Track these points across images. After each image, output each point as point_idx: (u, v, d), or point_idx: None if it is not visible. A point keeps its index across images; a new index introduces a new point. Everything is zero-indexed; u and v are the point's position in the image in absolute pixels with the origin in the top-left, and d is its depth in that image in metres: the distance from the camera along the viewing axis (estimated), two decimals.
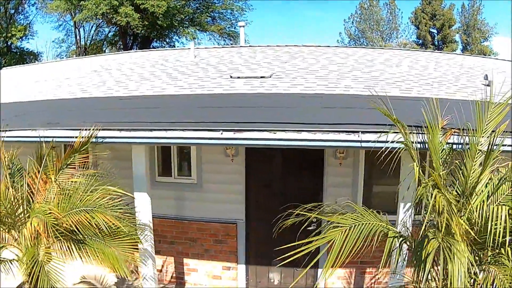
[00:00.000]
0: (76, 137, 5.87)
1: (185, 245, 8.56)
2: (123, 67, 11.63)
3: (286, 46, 12.37)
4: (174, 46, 33.34)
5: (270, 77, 8.53)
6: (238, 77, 8.72)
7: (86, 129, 5.87)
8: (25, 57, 37.21)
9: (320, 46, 12.22)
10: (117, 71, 11.18)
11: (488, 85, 8.46)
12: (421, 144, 5.12)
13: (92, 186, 5.77)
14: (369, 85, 7.93)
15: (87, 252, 5.50)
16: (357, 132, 5.29)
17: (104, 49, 36.66)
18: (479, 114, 5.02)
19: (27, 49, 37.95)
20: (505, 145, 5.14)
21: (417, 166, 4.53)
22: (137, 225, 6.50)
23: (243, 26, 13.90)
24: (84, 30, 37.14)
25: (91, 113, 7.52)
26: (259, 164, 8.14)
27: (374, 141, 5.24)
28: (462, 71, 9.97)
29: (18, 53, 36.72)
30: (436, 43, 46.78)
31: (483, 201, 4.41)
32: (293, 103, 7.08)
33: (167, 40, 33.74)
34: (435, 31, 46.96)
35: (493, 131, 5.11)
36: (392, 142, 5.15)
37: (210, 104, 7.34)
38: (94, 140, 5.91)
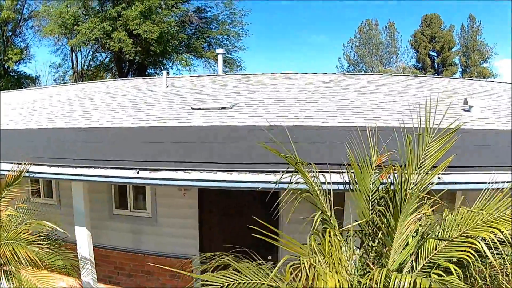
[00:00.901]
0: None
1: (143, 278, 8.42)
2: (96, 96, 11.63)
3: (262, 74, 12.33)
4: (168, 73, 33.52)
5: (231, 108, 8.42)
6: (199, 108, 8.62)
7: (18, 163, 5.83)
8: (23, 81, 37.56)
9: (297, 74, 12.17)
10: (88, 101, 11.17)
11: (468, 110, 8.44)
12: (344, 185, 4.80)
13: (23, 220, 5.75)
14: (333, 115, 7.81)
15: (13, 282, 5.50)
16: (277, 172, 5.00)
17: (100, 75, 36.86)
18: (409, 148, 4.50)
19: (24, 72, 38.36)
20: (443, 183, 4.89)
21: (323, 213, 4.15)
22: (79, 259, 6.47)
23: (221, 54, 13.87)
24: (81, 54, 37.55)
25: (33, 146, 7.51)
26: (213, 197, 7.96)
27: (288, 182, 4.83)
28: (444, 96, 9.83)
29: (16, 76, 37.05)
30: (436, 66, 46.85)
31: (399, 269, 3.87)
32: (231, 138, 6.87)
33: (162, 67, 33.81)
34: (435, 54, 47.07)
35: (433, 166, 4.69)
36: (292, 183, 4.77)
37: (153, 139, 7.22)
38: (26, 174, 5.85)
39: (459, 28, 46.47)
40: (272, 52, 72.75)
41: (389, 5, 61.49)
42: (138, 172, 5.28)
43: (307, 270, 3.48)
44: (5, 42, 35.60)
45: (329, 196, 4.40)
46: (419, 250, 3.99)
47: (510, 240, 3.73)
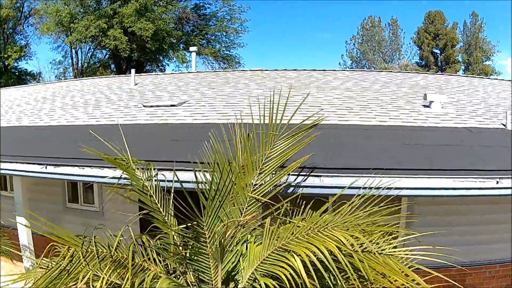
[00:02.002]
0: None
1: None
2: (69, 94, 11.97)
3: (234, 71, 12.65)
4: (164, 70, 33.96)
5: (179, 105, 8.73)
6: (151, 106, 8.93)
7: None
8: (24, 77, 38.20)
9: (266, 70, 12.43)
10: (61, 99, 11.52)
11: (428, 106, 8.52)
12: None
13: None
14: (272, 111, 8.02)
15: None
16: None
17: (100, 71, 37.35)
18: (246, 146, 4.24)
19: (25, 69, 38.96)
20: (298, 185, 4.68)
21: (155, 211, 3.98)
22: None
23: (195, 51, 14.14)
24: (81, 51, 38.05)
25: None
26: None
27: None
28: (412, 91, 9.98)
29: (17, 73, 37.68)
30: (439, 63, 46.71)
31: None
32: (146, 136, 7.14)
33: (158, 64, 34.23)
34: (438, 51, 46.92)
35: (282, 166, 4.38)
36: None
37: (72, 137, 7.58)
38: None
39: (462, 25, 46.35)
40: (276, 50, 72.96)
41: (392, 3, 61.61)
42: (46, 168, 5.62)
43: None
44: (6, 40, 36.22)
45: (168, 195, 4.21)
46: (244, 260, 3.62)
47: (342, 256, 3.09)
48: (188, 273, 3.54)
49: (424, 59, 46.72)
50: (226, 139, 4.56)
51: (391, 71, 12.95)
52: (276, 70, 12.32)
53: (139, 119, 8.12)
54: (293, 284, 3.01)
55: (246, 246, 3.65)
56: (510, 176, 5.19)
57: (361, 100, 9.02)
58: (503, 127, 7.50)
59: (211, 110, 8.23)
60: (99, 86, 12.65)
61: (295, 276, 3.00)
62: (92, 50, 37.06)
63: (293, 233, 3.29)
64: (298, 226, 3.34)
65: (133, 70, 12.36)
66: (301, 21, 68.20)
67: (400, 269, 3.24)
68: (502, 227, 7.06)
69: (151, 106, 8.87)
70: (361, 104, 8.73)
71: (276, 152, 4.43)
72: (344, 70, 12.27)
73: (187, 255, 3.53)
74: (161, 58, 33.59)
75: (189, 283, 3.53)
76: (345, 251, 3.08)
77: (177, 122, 7.63)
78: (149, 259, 3.66)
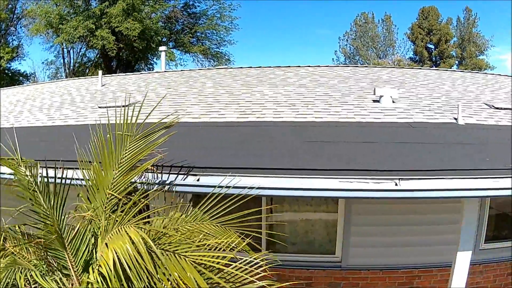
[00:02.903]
0: None
1: None
2: (41, 96, 12.49)
3: (199, 70, 13.16)
4: (153, 69, 34.52)
5: (128, 106, 9.23)
6: (105, 107, 9.47)
7: None
8: (17, 78, 38.83)
9: (230, 68, 12.93)
10: (31, 102, 12.04)
11: (377, 101, 8.63)
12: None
13: None
14: (210, 110, 8.54)
15: None
16: None
17: (91, 71, 38.00)
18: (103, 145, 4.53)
19: (18, 70, 39.63)
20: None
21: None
22: None
23: (164, 51, 14.61)
24: (73, 51, 38.67)
25: None
26: None
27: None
28: (371, 86, 10.04)
29: (10, 74, 38.32)
30: (433, 59, 47.05)
31: None
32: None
33: (145, 63, 34.82)
34: (432, 46, 47.28)
35: (133, 167, 4.54)
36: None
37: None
38: None
39: (456, 20, 46.73)
40: (273, 46, 73.40)
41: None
42: None
43: None
44: None
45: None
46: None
47: None
48: (51, 259, 3.97)
49: (418, 55, 47.13)
50: (102, 138, 4.81)
51: (356, 66, 13.14)
52: (241, 68, 12.80)
53: (89, 120, 8.65)
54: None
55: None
56: (409, 177, 4.98)
57: (308, 96, 9.32)
58: (455, 121, 7.63)
59: (156, 110, 8.74)
60: (70, 87, 13.14)
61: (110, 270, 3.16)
62: (84, 49, 37.76)
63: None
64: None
65: (100, 72, 12.87)
66: (300, 17, 68.72)
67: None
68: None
69: (105, 107, 9.41)
70: (306, 100, 9.03)
71: (129, 153, 4.68)
72: (309, 66, 12.54)
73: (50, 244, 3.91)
74: (149, 56, 34.11)
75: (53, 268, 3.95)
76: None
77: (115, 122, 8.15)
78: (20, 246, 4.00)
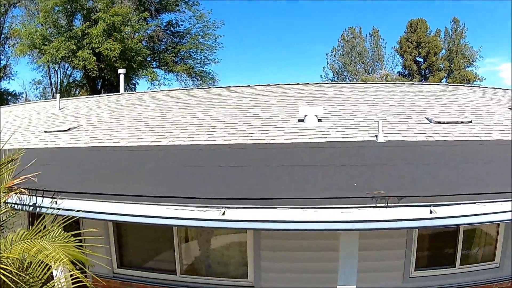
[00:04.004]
0: None
1: None
2: (4, 120, 13.66)
3: (152, 91, 14.49)
4: (135, 89, 35.90)
5: (69, 130, 10.45)
6: (50, 131, 10.68)
7: None
8: (5, 97, 40.17)
9: (183, 89, 14.17)
10: None
11: (302, 120, 8.94)
12: None
13: None
14: (132, 134, 9.44)
15: None
16: None
17: (76, 92, 39.44)
18: None
19: (7, 89, 41.04)
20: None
21: None
22: None
23: (123, 73, 15.75)
24: (60, 71, 40.08)
25: None
26: None
27: None
28: (307, 105, 10.37)
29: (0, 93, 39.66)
30: (423, 72, 48.23)
31: None
32: None
33: (129, 83, 36.05)
34: (421, 60, 48.47)
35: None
36: None
37: None
38: None
39: (443, 32, 47.99)
40: (267, 63, 74.81)
41: (373, 11, 63.61)
42: None
43: None
44: None
45: None
46: None
47: None
48: None
49: (407, 69, 48.27)
50: None
51: (297, 83, 13.44)
52: (192, 88, 14.05)
53: (31, 144, 9.85)
54: None
55: None
56: (233, 206, 5.14)
57: (236, 118, 9.90)
58: (375, 138, 7.83)
59: (89, 135, 9.90)
60: (33, 110, 14.36)
61: None
62: (71, 70, 39.14)
63: None
64: None
65: (58, 95, 14.08)
66: (292, 33, 70.30)
67: None
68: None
69: (50, 132, 10.63)
70: (230, 122, 9.61)
71: None
72: (258, 85, 13.12)
73: None
74: (132, 76, 35.39)
75: None
76: None
77: (45, 146, 9.38)
78: None
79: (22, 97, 43.04)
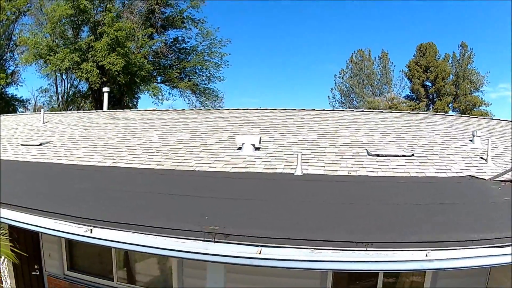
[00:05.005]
0: None
1: None
2: None
3: (130, 111, 15.96)
4: (137, 103, 37.64)
5: (40, 145, 11.98)
6: (27, 145, 12.26)
7: None
8: (12, 103, 42.11)
9: (156, 110, 15.69)
10: None
11: (240, 149, 9.53)
12: None
13: None
14: (86, 154, 10.65)
15: None
16: None
17: (81, 102, 41.36)
18: None
19: (15, 95, 43.02)
20: None
21: None
22: None
23: (107, 92, 17.32)
24: (67, 81, 42.01)
25: None
26: None
27: None
28: (258, 132, 11.10)
29: (7, 99, 41.57)
30: (430, 96, 49.30)
31: None
32: None
33: (132, 97, 37.76)
34: (430, 84, 49.55)
35: None
36: None
37: None
38: None
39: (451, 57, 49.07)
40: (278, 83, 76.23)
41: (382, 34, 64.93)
42: None
43: None
44: None
45: None
46: None
47: None
48: None
49: (414, 92, 49.38)
50: None
51: (266, 109, 14.20)
52: (167, 110, 15.51)
53: (6, 156, 11.37)
54: None
55: None
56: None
57: (182, 143, 10.85)
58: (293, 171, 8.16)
59: (54, 151, 11.36)
60: (22, 122, 15.93)
61: None
62: (78, 80, 41.02)
63: None
64: None
65: (42, 110, 15.67)
66: (302, 53, 71.85)
67: None
68: None
69: (27, 145, 12.23)
70: (176, 146, 10.55)
71: None
72: (227, 109, 14.20)
73: None
74: (136, 90, 37.06)
75: None
76: None
77: (15, 159, 10.82)
78: None
79: (30, 103, 44.93)
